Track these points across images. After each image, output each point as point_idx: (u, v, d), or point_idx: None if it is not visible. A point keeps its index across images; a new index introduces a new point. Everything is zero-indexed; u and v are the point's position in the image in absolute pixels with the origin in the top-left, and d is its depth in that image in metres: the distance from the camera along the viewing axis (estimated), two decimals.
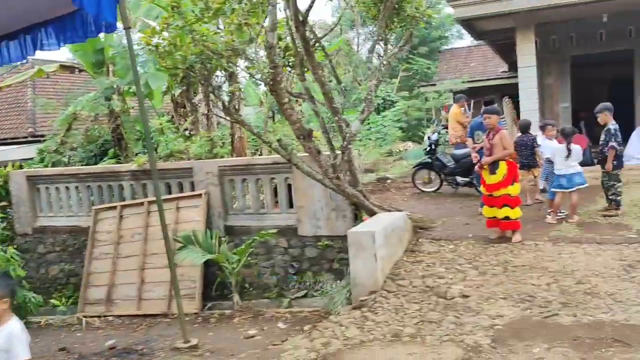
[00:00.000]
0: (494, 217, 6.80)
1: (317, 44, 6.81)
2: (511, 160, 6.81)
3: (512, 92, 12.57)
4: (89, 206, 9.16)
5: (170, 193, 8.55)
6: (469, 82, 18.25)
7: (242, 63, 7.15)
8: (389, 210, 7.09)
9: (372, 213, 6.92)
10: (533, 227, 7.22)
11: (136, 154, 10.74)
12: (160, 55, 6.18)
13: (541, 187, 8.76)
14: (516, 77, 12.14)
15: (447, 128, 11.25)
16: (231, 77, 10.97)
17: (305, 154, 6.96)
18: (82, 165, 11.71)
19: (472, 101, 14.21)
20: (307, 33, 6.51)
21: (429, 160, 10.54)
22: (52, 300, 8.67)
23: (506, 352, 4.03)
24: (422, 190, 10.82)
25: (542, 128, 8.31)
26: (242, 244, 7.46)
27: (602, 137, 7.50)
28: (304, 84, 6.76)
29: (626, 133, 10.44)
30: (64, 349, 6.53)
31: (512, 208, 6.62)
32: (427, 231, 7.35)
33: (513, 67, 13.11)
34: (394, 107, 20.11)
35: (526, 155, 8.62)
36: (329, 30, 7.33)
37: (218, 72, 10.90)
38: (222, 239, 7.81)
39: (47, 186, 9.55)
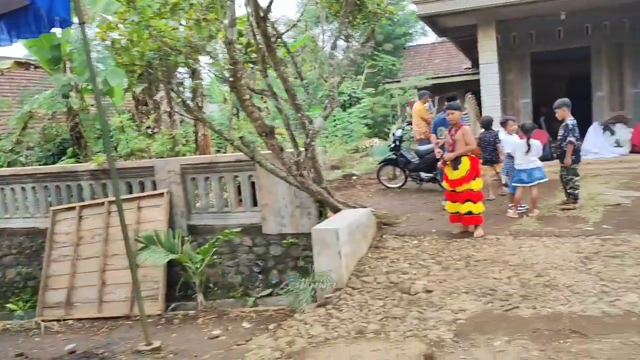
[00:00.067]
0: (457, 212, 6.88)
1: (279, 40, 6.74)
2: (474, 156, 6.88)
3: (475, 88, 12.70)
4: (46, 207, 8.92)
5: (131, 192, 8.39)
6: (433, 78, 18.38)
7: (205, 60, 7.05)
8: (354, 207, 7.10)
9: (336, 210, 6.91)
10: (495, 222, 7.34)
11: (96, 153, 10.48)
12: (116, 51, 6.02)
13: (503, 182, 8.91)
14: (479, 73, 12.30)
15: (411, 124, 11.32)
16: (194, 73, 10.80)
17: (268, 151, 6.90)
18: (39, 165, 11.38)
19: (437, 97, 14.33)
20: (269, 29, 6.44)
21: (394, 156, 10.60)
22: (9, 305, 8.45)
23: (468, 346, 4.07)
24: (387, 187, 10.88)
25: (503, 124, 8.45)
26: (206, 244, 7.36)
27: (561, 132, 7.66)
28: (267, 80, 6.69)
29: (584, 128, 10.73)
30: (22, 354, 6.31)
31: (474, 203, 6.71)
32: (392, 227, 7.38)
33: (476, 63, 13.23)
34: (360, 104, 20.16)
35: (489, 151, 8.76)
36: (291, 27, 7.28)
37: (181, 69, 10.74)
38: (185, 238, 7.69)
39: (2, 187, 9.27)
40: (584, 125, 10.35)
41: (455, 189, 6.81)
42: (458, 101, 7.83)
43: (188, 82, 12.27)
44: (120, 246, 7.09)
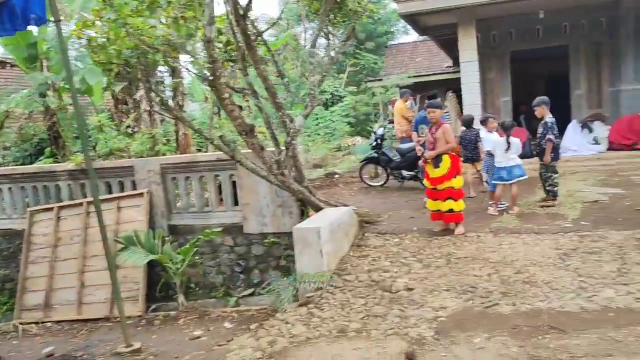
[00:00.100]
0: (438, 210, 6.91)
1: (259, 39, 6.70)
2: (455, 154, 6.92)
3: (457, 86, 12.78)
4: (23, 208, 8.77)
5: (110, 192, 8.29)
6: (415, 76, 18.46)
7: (185, 58, 6.98)
8: (335, 206, 7.09)
9: (318, 209, 6.90)
10: (475, 219, 7.39)
11: (74, 153, 10.33)
12: (93, 49, 5.93)
13: (484, 180, 8.98)
14: (460, 71, 12.38)
15: (393, 122, 11.35)
16: (174, 72, 10.69)
17: (249, 150, 6.86)
18: (16, 165, 11.17)
19: (419, 96, 14.39)
20: (249, 27, 6.40)
21: (376, 154, 10.62)
22: None
23: (449, 343, 4.09)
24: (369, 185, 10.90)
25: (484, 122, 8.51)
26: (187, 244, 7.30)
27: (540, 130, 7.73)
28: (247, 79, 6.64)
29: (562, 126, 10.85)
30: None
31: (455, 200, 6.74)
32: (373, 225, 7.39)
33: (457, 62, 13.34)
34: (342, 102, 20.20)
35: (470, 149, 8.84)
36: (271, 25, 7.23)
37: (161, 68, 10.62)
38: (166, 238, 7.61)
39: None
40: (562, 123, 10.46)
41: (436, 187, 6.84)
42: (439, 99, 7.87)
43: (168, 81, 12.13)
44: (100, 247, 6.99)
